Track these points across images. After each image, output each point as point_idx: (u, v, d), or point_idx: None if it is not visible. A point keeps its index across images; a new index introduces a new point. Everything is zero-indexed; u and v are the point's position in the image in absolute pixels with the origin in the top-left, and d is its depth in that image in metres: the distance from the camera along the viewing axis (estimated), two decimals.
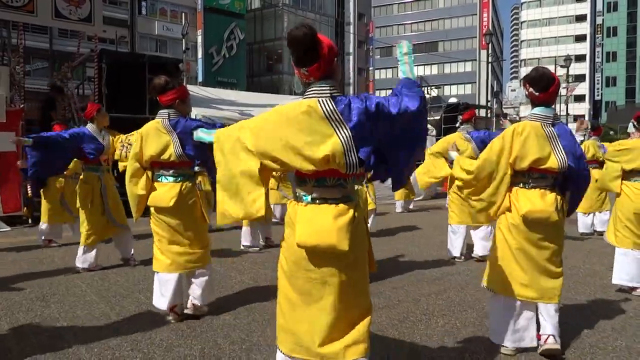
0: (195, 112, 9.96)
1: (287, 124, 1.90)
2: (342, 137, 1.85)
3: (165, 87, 3.37)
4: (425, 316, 3.50)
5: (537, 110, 2.84)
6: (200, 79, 29.21)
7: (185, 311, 3.44)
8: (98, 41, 10.15)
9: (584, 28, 65.43)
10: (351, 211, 1.93)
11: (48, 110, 9.35)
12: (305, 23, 1.95)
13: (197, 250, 3.43)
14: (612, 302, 3.85)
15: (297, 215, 1.96)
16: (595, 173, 7.20)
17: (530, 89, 2.84)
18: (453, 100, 25.37)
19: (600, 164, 7.29)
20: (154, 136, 3.36)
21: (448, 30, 57.87)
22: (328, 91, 1.90)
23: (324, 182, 1.94)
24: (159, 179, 3.43)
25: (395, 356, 2.80)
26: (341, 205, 1.93)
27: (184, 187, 3.38)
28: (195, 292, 3.44)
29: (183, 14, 11.50)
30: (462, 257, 5.38)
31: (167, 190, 3.36)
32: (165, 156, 3.34)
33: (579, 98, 60.16)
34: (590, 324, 3.32)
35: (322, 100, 1.88)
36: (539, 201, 2.76)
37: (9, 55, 10.35)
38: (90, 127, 4.96)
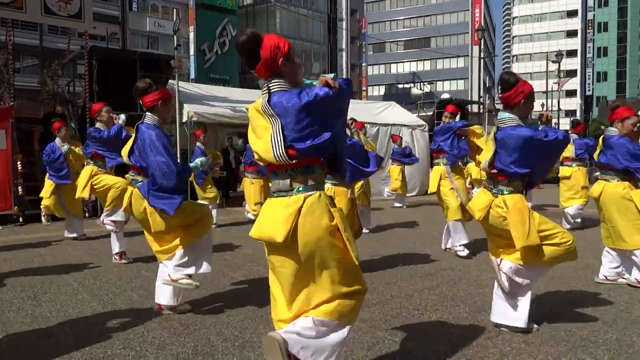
0: (188, 109, 9.93)
1: (249, 123, 2.15)
2: (274, 129, 1.97)
3: (147, 89, 3.37)
4: (418, 311, 3.51)
5: (499, 113, 3.09)
6: (192, 75, 29.06)
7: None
8: (89, 38, 10.05)
9: (575, 23, 65.76)
10: (300, 201, 1.97)
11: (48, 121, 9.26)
12: (250, 29, 2.12)
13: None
14: (603, 295, 3.88)
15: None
16: (566, 170, 7.24)
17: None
18: (445, 96, 25.45)
19: (578, 161, 7.27)
20: None
21: (440, 26, 57.94)
22: (267, 88, 2.05)
23: (277, 175, 2.05)
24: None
25: (388, 351, 2.81)
26: (293, 197, 1.99)
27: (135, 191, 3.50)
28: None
29: (175, 10, 11.38)
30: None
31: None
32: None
33: (571, 93, 60.56)
34: (582, 317, 3.35)
35: (262, 97, 2.05)
36: (473, 200, 3.24)
37: None
38: (99, 126, 5.04)
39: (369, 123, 12.52)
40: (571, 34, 65.99)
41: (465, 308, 3.57)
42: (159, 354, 2.78)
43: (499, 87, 2.98)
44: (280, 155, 1.94)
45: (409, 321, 3.31)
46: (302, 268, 2.00)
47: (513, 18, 73.30)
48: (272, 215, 2.00)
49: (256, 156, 2.08)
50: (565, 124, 43.85)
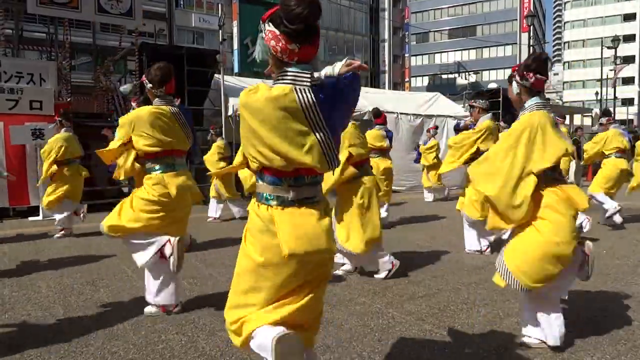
0: (233, 102, 10.11)
1: (257, 115, 1.66)
2: (322, 135, 1.65)
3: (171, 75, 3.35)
4: (467, 305, 3.45)
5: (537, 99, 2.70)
6: (236, 69, 29.52)
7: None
8: (138, 35, 10.41)
9: (633, 6, 61.87)
10: (324, 210, 1.81)
11: None
12: None
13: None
14: None
15: (275, 220, 1.72)
16: (619, 162, 6.66)
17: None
18: (492, 85, 24.65)
19: (623, 153, 6.76)
20: (163, 123, 3.25)
21: (487, 13, 56.05)
22: (309, 79, 1.65)
23: (299, 181, 1.73)
24: (174, 169, 3.33)
25: (436, 345, 2.77)
26: (316, 205, 1.77)
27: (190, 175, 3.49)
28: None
29: (219, 5, 11.62)
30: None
31: (187, 179, 3.38)
32: (180, 144, 3.36)
33: (628, 80, 57.16)
34: None
35: (302, 91, 1.62)
36: None
37: (56, 51, 10.78)
38: None
39: (412, 114, 12.35)
40: (628, 17, 62.13)
41: (516, 303, 3.45)
42: (209, 340, 2.86)
43: (544, 69, 2.67)
44: (334, 161, 1.70)
45: (457, 315, 3.25)
46: (326, 276, 1.87)
47: (565, 3, 69.86)
48: (309, 227, 1.71)
49: (282, 163, 1.66)
50: (622, 113, 41.55)
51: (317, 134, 1.63)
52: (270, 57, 1.70)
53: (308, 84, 1.63)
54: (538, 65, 2.68)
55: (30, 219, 7.98)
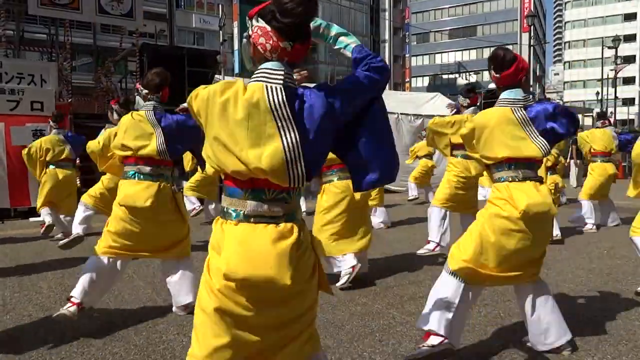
0: None
1: (220, 114, 1.47)
2: (287, 140, 1.42)
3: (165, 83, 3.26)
4: None
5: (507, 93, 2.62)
6: (236, 70, 29.57)
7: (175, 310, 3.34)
8: (139, 36, 10.44)
9: (634, 6, 61.87)
10: (293, 233, 1.50)
11: None
12: None
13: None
14: None
15: (224, 236, 1.52)
16: (608, 167, 6.57)
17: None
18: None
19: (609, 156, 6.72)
20: (135, 128, 3.13)
21: (487, 13, 56.04)
22: (282, 76, 1.47)
23: (257, 195, 1.49)
24: (134, 177, 3.14)
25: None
26: (282, 226, 1.49)
27: (162, 186, 3.13)
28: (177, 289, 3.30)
29: (220, 5, 11.65)
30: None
31: (143, 191, 3.07)
32: (145, 151, 3.09)
33: (629, 80, 57.14)
34: None
35: (272, 88, 1.45)
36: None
37: (57, 52, 10.81)
38: None
39: (413, 115, 12.35)
40: (629, 17, 62.13)
41: (517, 303, 3.46)
42: None
43: (493, 65, 2.60)
44: (298, 178, 1.45)
45: None
46: (286, 312, 1.54)
47: (565, 2, 69.90)
48: (256, 248, 1.46)
49: (236, 168, 1.45)
50: (623, 113, 41.54)
51: (284, 139, 1.42)
52: (254, 55, 1.55)
53: (281, 81, 1.46)
54: (488, 63, 2.70)
55: (31, 219, 7.98)
